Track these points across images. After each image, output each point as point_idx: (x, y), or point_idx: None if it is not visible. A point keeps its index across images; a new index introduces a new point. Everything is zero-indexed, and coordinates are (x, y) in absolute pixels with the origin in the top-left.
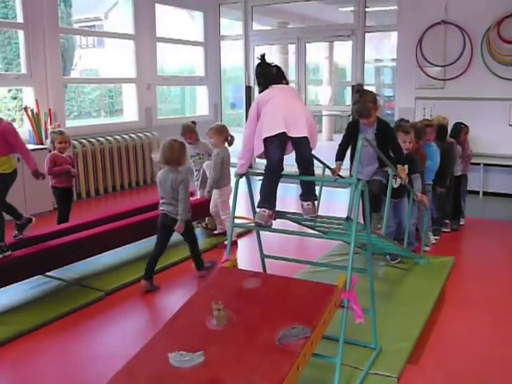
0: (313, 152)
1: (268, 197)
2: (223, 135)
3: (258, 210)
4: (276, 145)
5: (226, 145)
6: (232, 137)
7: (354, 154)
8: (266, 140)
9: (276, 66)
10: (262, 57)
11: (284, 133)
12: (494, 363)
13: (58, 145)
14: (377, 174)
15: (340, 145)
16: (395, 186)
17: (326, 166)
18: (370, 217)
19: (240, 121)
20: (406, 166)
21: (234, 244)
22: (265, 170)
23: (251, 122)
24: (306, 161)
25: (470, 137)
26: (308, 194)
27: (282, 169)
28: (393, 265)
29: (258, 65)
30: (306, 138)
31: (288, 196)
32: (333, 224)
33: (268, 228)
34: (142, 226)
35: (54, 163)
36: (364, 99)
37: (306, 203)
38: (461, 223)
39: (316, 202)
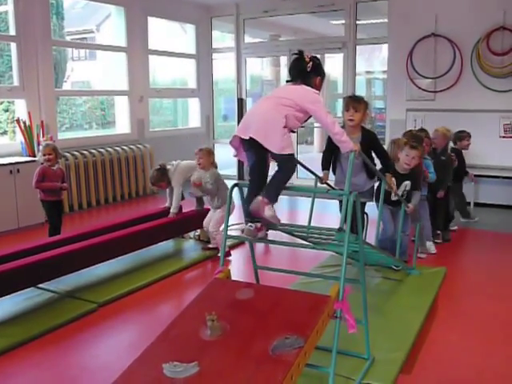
0: (302, 161)
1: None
2: (212, 157)
3: (245, 224)
4: (247, 148)
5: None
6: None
7: (336, 164)
8: (241, 145)
9: (313, 59)
10: (300, 52)
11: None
12: (486, 373)
13: (42, 157)
14: (363, 194)
15: (324, 152)
16: (394, 199)
17: (313, 173)
18: (362, 227)
19: (232, 133)
20: (409, 183)
21: (228, 255)
22: (248, 181)
23: None
24: (275, 159)
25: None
26: (264, 189)
27: (262, 178)
28: (385, 275)
29: (294, 59)
30: (254, 139)
31: (280, 207)
32: (324, 235)
33: (261, 240)
34: (134, 238)
35: (42, 177)
36: (359, 97)
37: (258, 197)
38: (452, 228)
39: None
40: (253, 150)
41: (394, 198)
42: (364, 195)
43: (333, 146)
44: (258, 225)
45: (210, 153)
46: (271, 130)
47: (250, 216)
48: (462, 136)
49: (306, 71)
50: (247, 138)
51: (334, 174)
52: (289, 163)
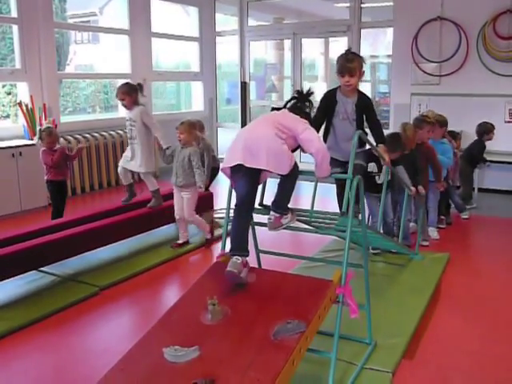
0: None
1: (239, 242)
2: (194, 132)
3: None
4: (241, 175)
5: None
6: (204, 139)
7: (328, 131)
8: (230, 171)
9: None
10: (299, 92)
11: (242, 164)
12: (487, 358)
13: (47, 145)
14: (357, 155)
15: (315, 114)
16: (379, 182)
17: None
18: (364, 210)
19: (235, 116)
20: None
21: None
22: (234, 207)
23: None
24: (282, 178)
25: (465, 133)
26: (276, 204)
27: (252, 205)
28: (388, 260)
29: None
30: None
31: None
32: (327, 219)
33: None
34: (137, 222)
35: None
36: (351, 56)
37: (270, 216)
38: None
39: (285, 216)
40: (247, 178)
41: (379, 181)
42: (357, 156)
43: (327, 108)
44: (245, 259)
45: (191, 126)
46: (282, 159)
47: (236, 249)
48: (489, 129)
49: (298, 106)
50: (259, 167)
51: (325, 140)
52: (295, 171)
